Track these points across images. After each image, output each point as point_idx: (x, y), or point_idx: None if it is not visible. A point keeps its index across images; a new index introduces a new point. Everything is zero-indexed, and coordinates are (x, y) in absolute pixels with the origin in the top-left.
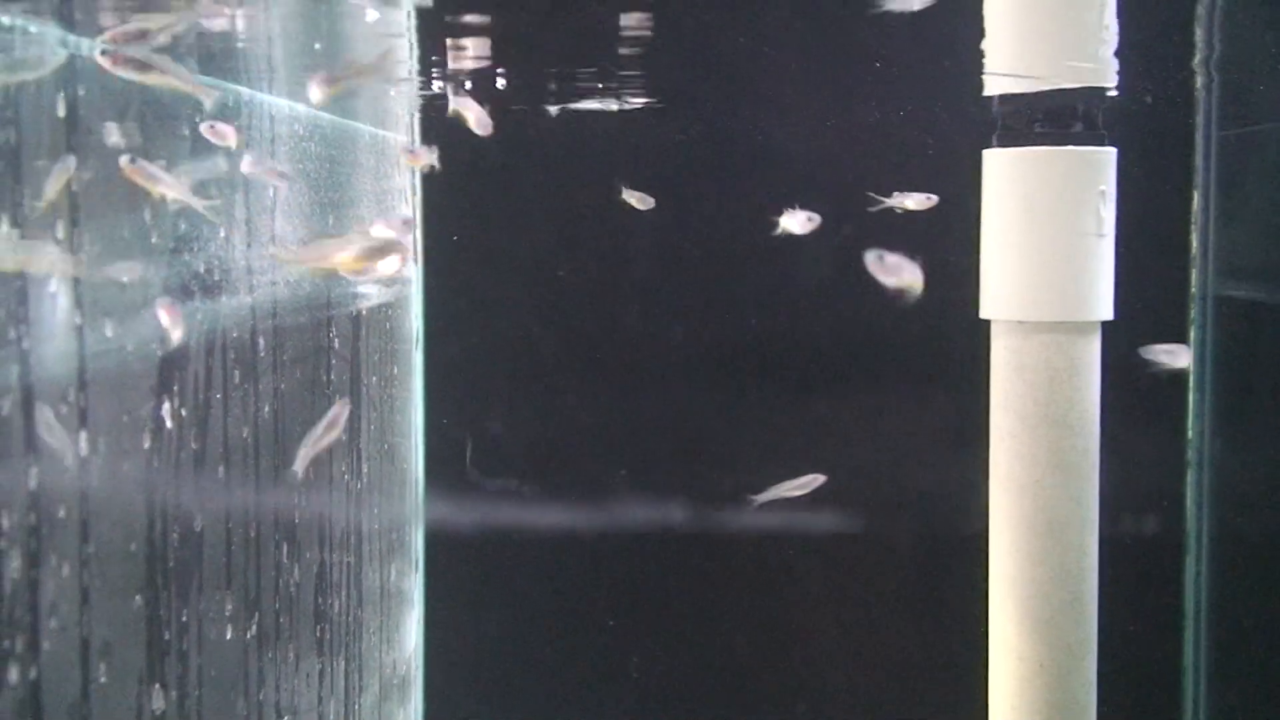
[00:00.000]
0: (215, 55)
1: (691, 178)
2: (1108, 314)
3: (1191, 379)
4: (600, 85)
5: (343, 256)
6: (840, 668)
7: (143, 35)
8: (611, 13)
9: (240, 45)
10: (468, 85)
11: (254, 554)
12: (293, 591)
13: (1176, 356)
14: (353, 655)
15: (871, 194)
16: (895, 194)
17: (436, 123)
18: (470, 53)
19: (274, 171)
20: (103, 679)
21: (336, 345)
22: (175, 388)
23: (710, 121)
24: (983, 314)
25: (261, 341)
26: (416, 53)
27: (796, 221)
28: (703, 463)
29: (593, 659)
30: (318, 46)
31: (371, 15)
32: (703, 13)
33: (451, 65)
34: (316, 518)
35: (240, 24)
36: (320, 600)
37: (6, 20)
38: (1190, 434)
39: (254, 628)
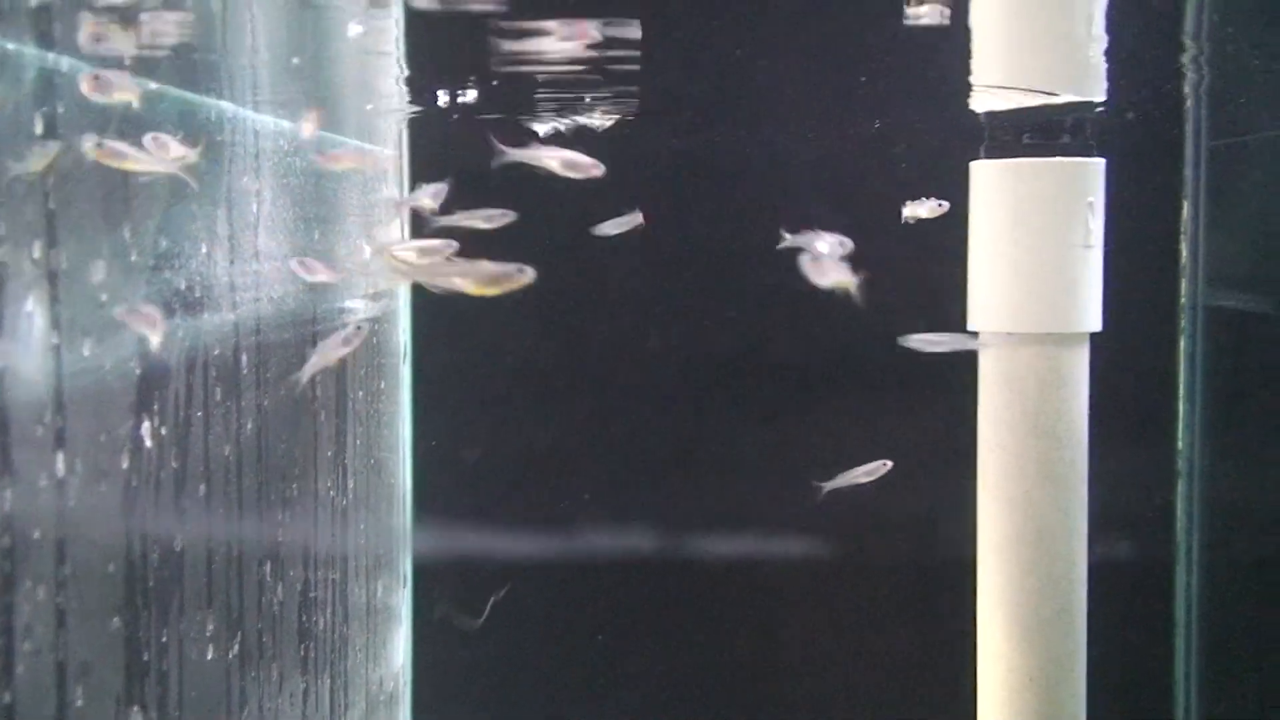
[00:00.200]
0: (198, 70)
1: (676, 190)
2: (1096, 325)
3: (1182, 389)
4: (586, 99)
5: (465, 283)
6: (830, 684)
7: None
8: (599, 26)
9: (223, 60)
10: (546, 130)
11: (236, 573)
12: (276, 610)
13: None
14: (338, 673)
15: (889, 207)
16: (907, 203)
17: (423, 137)
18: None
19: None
20: (79, 702)
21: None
22: (155, 406)
23: (694, 135)
24: (971, 325)
25: (244, 358)
26: (405, 73)
27: (826, 243)
28: (693, 478)
29: (582, 674)
30: (295, 62)
31: (354, 30)
32: (687, 27)
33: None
34: (301, 535)
35: (223, 38)
36: (305, 618)
37: None
38: (1180, 444)
39: (236, 647)
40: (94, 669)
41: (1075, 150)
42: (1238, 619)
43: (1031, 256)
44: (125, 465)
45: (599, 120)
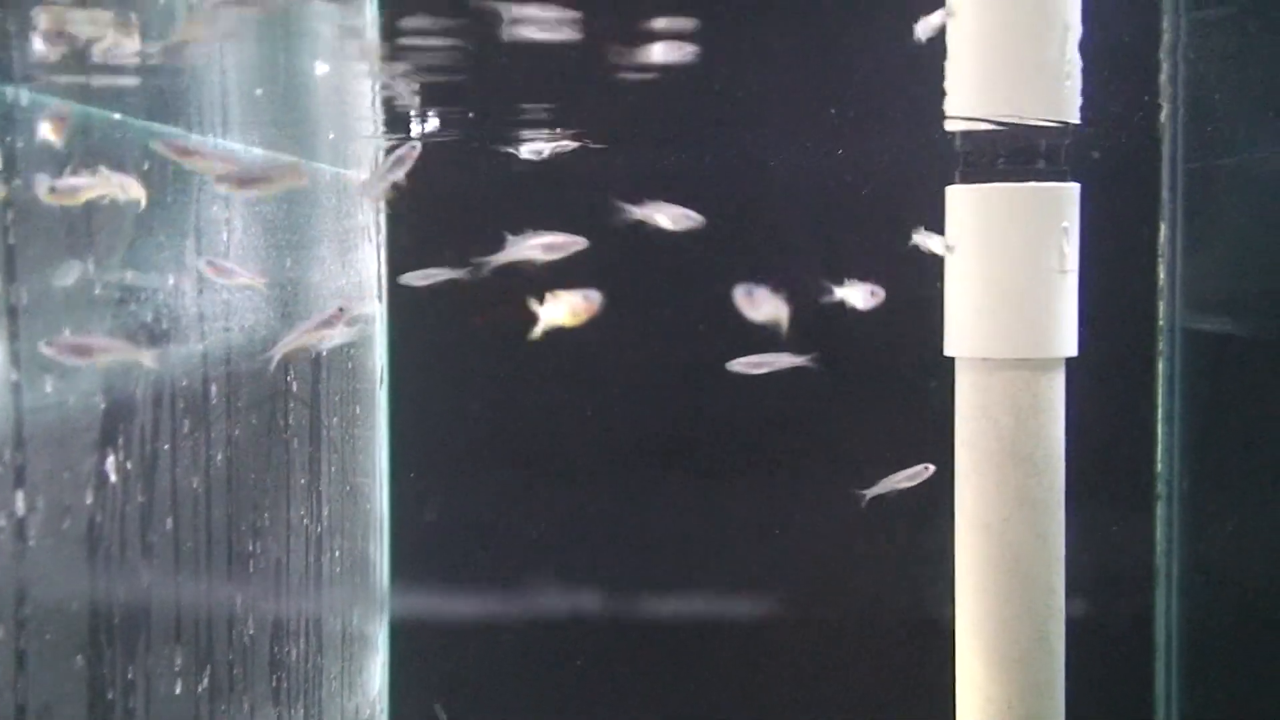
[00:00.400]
0: (165, 98)
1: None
2: (1072, 350)
3: (1160, 412)
4: (558, 129)
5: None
6: None
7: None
8: (573, 51)
9: (190, 88)
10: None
11: (206, 606)
12: (248, 641)
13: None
14: (312, 703)
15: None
16: (919, 231)
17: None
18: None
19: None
20: None
21: (295, 388)
22: (120, 440)
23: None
24: (947, 351)
25: (214, 389)
26: (380, 99)
27: (858, 294)
28: (654, 542)
29: (561, 702)
30: (259, 92)
31: (321, 68)
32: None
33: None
34: (274, 564)
35: (191, 66)
36: (277, 648)
37: None
38: (1159, 467)
39: (206, 681)
40: (55, 710)
41: (1050, 175)
42: (1219, 643)
43: (1007, 281)
44: (89, 501)
45: (571, 143)
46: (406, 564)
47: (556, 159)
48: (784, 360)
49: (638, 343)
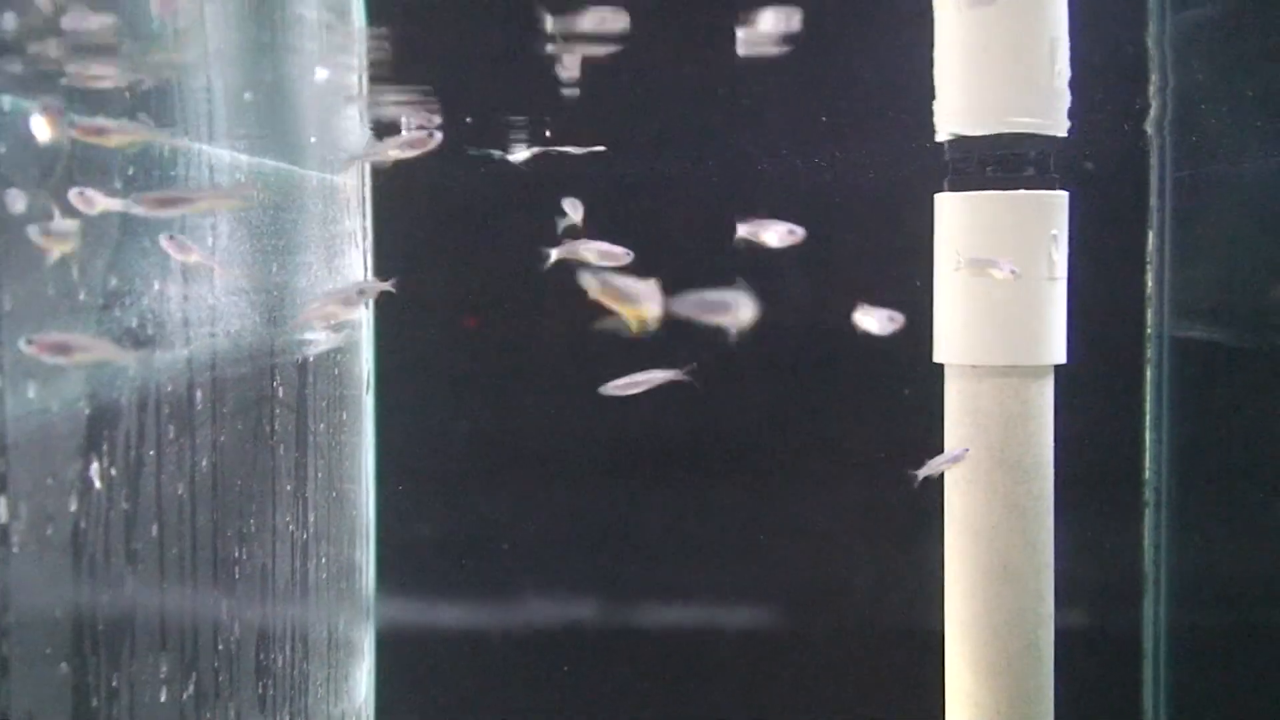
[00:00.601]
0: (151, 104)
1: (644, 227)
2: (1061, 358)
3: (1149, 420)
4: (547, 133)
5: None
6: None
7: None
8: (556, 55)
9: (177, 93)
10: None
11: (191, 612)
12: (234, 648)
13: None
14: (298, 710)
15: (958, 254)
16: (975, 257)
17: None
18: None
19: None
20: None
21: (281, 394)
22: (105, 447)
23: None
24: (936, 358)
25: (199, 394)
26: (368, 113)
27: (876, 321)
28: (649, 550)
29: (548, 710)
30: (248, 96)
31: (321, 74)
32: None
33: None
34: (260, 570)
35: (178, 72)
36: (263, 655)
37: None
38: (1147, 474)
39: (191, 688)
40: (40, 718)
41: (1039, 183)
42: (1207, 650)
43: (996, 289)
44: (73, 508)
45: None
46: (393, 570)
47: (543, 164)
48: (658, 376)
49: (626, 348)
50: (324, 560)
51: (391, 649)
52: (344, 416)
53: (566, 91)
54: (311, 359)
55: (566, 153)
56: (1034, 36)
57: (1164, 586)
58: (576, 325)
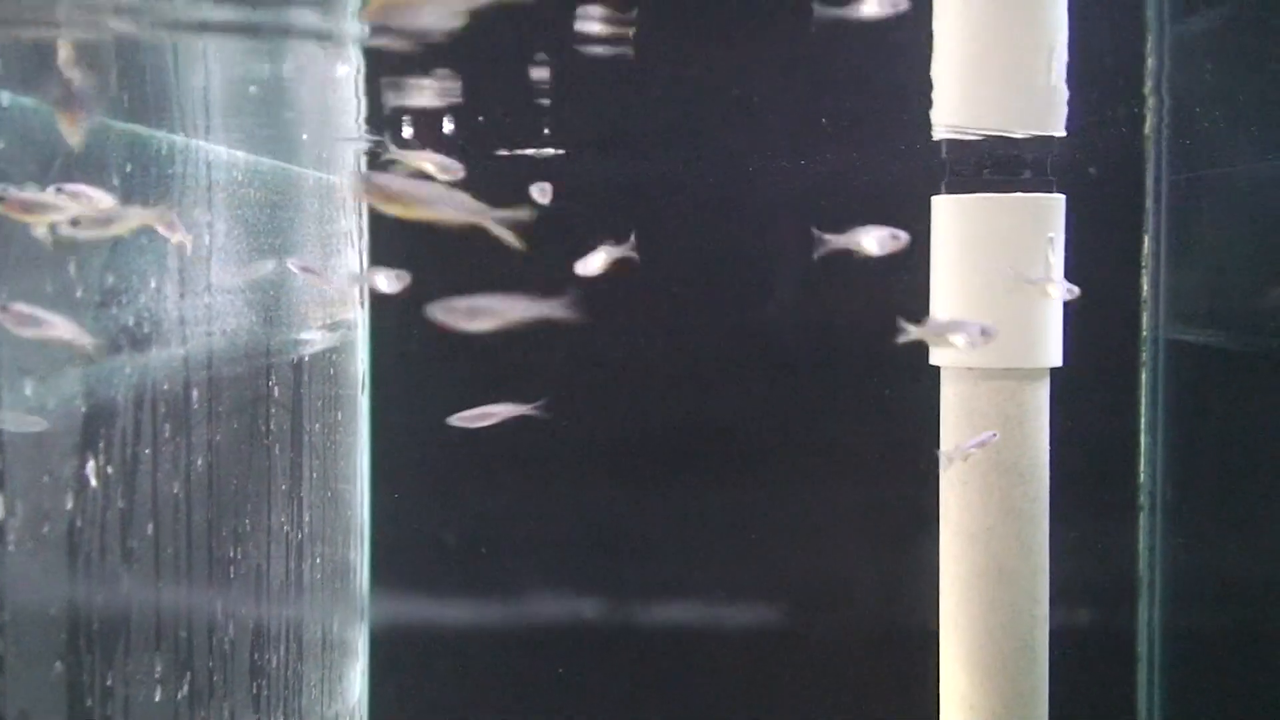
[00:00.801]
0: (149, 101)
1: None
2: (1056, 360)
3: (1144, 422)
4: (545, 131)
5: None
6: None
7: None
8: (555, 55)
9: (174, 90)
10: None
11: (186, 611)
12: (228, 648)
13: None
14: (292, 710)
15: (1012, 269)
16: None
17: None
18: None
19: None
20: None
21: (277, 393)
22: (101, 445)
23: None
24: (933, 361)
25: (195, 393)
26: (364, 106)
27: (876, 241)
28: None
29: (543, 710)
30: (252, 90)
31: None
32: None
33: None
34: (255, 570)
35: (175, 69)
36: (257, 655)
37: None
38: (1142, 477)
39: (186, 688)
40: (33, 716)
41: (1035, 186)
42: (1201, 653)
43: (992, 292)
44: (69, 506)
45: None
46: (387, 570)
47: (537, 164)
48: (506, 410)
49: (619, 348)
50: (319, 560)
51: (385, 648)
52: (339, 416)
53: (564, 93)
54: (307, 359)
55: (562, 152)
56: (1032, 40)
57: (1159, 588)
58: (573, 324)
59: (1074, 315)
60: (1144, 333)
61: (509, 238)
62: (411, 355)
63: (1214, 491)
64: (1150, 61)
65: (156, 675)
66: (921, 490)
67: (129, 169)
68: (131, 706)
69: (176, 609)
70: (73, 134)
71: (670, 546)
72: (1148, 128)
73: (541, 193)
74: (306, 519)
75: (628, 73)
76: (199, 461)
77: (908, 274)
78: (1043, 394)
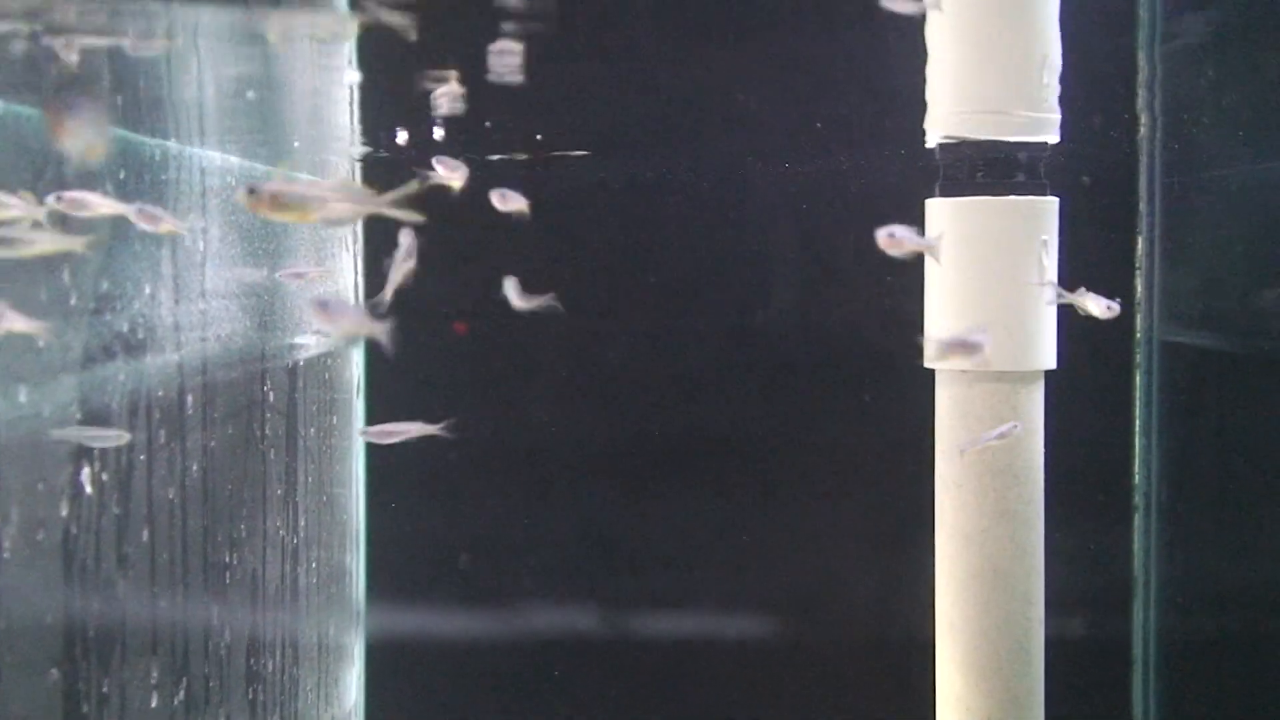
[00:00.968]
0: (142, 107)
1: (638, 232)
2: (1051, 363)
3: (1138, 424)
4: (538, 136)
5: None
6: None
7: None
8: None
9: (168, 97)
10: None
11: (181, 618)
12: (224, 653)
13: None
14: (288, 715)
15: (1056, 287)
16: (1080, 290)
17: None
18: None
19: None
20: None
21: (272, 398)
22: (96, 451)
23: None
24: (927, 363)
25: (190, 399)
26: (358, 113)
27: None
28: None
29: (541, 714)
30: (251, 95)
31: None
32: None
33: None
34: (250, 575)
35: (168, 75)
36: (253, 661)
37: None
38: (1137, 479)
39: (182, 693)
40: None
41: (1029, 189)
42: (1196, 654)
43: (986, 295)
44: (64, 513)
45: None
46: (383, 575)
47: (534, 168)
48: (414, 429)
49: (617, 354)
50: (314, 565)
51: (381, 654)
52: (334, 421)
53: (560, 94)
54: (301, 363)
55: (556, 156)
56: (1025, 42)
57: (1154, 591)
58: (570, 329)
59: (1068, 317)
60: (1138, 335)
61: (408, 216)
62: (406, 359)
63: (1209, 493)
64: (1143, 63)
65: (153, 681)
66: (916, 493)
67: (122, 175)
68: (128, 713)
69: (172, 615)
70: (75, 144)
71: (665, 550)
72: (1141, 130)
73: (502, 199)
74: (302, 524)
75: (624, 76)
76: (194, 467)
77: (904, 277)
78: (1037, 396)
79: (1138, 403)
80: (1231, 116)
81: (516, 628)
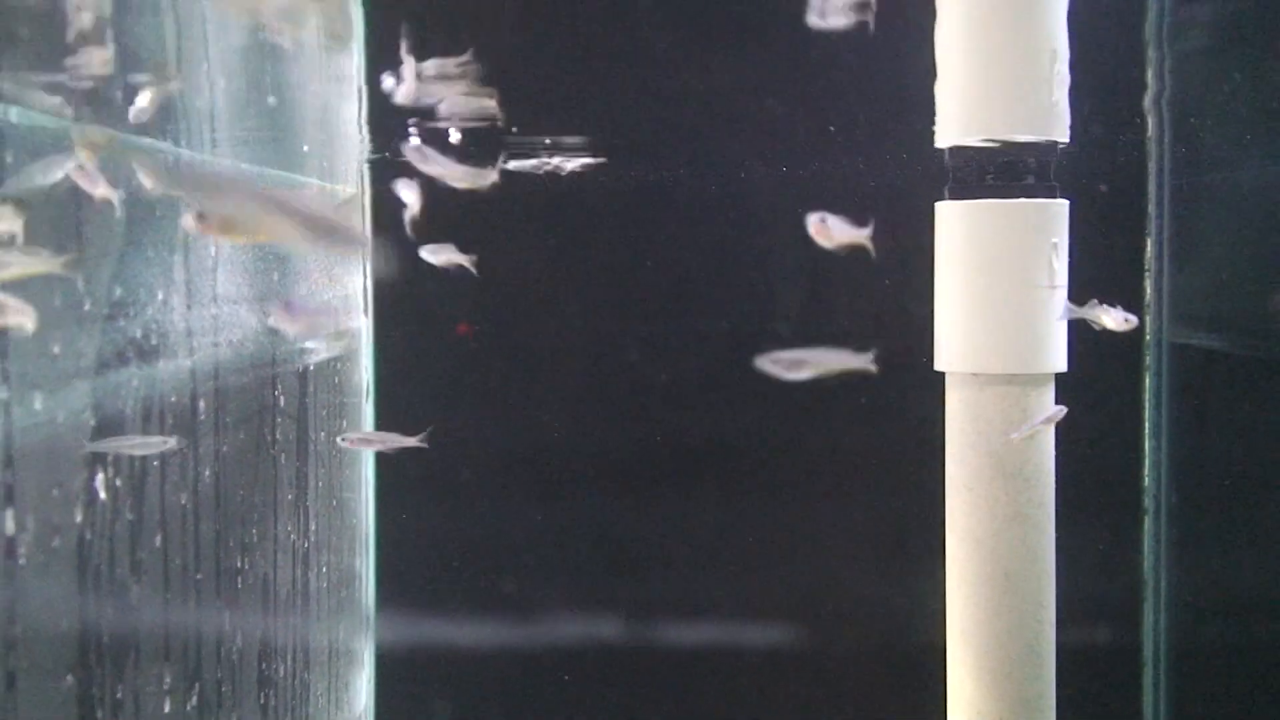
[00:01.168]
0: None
1: (644, 235)
2: (1061, 366)
3: (1148, 427)
4: (547, 141)
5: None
6: None
7: None
8: (559, 64)
9: (178, 102)
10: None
11: (194, 623)
12: (235, 658)
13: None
14: (299, 719)
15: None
16: (1092, 303)
17: (383, 174)
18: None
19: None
20: None
21: (282, 403)
22: (110, 458)
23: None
24: (937, 366)
25: (202, 404)
26: (366, 112)
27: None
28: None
29: (546, 717)
30: (272, 101)
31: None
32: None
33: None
34: (261, 580)
35: (178, 82)
36: (264, 665)
37: None
38: (1147, 482)
39: (194, 699)
40: None
41: (1039, 191)
42: (1207, 656)
43: (996, 297)
44: (79, 519)
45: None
46: (392, 579)
47: (545, 172)
48: (394, 439)
49: (626, 358)
50: (324, 569)
51: (391, 658)
52: (344, 425)
53: (558, 96)
54: (312, 368)
55: (567, 160)
56: (1034, 45)
57: (1164, 594)
58: (578, 334)
59: (1078, 320)
60: (1147, 337)
61: (357, 229)
62: (415, 364)
63: (1219, 496)
64: (1152, 65)
65: (166, 686)
66: (926, 497)
67: (134, 182)
68: (141, 718)
69: (185, 620)
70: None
71: (675, 556)
72: (1150, 132)
73: (407, 187)
74: (312, 528)
75: (630, 79)
76: (206, 472)
77: (915, 279)
78: (1047, 399)
79: (1147, 405)
80: (1241, 118)
81: (525, 632)
